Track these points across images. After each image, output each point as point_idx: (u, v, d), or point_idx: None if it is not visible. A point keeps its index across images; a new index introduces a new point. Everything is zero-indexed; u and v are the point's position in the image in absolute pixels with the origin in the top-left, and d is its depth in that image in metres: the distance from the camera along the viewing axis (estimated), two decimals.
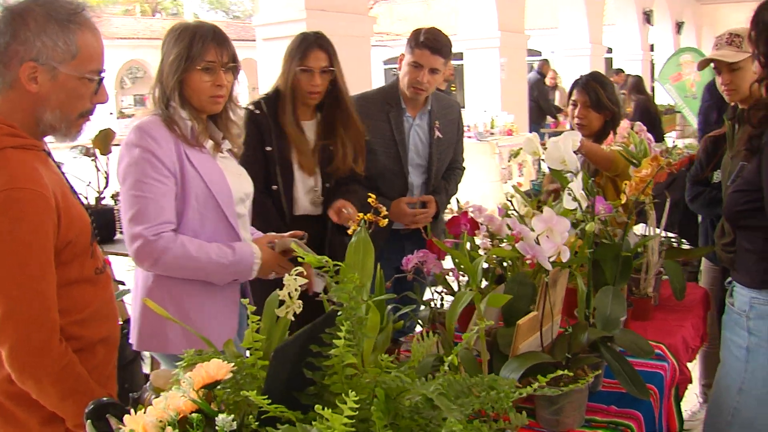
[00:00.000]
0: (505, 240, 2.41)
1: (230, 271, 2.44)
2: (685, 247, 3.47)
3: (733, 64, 3.07)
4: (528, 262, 1.78)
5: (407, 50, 3.41)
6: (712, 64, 3.21)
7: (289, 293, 1.73)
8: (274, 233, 2.71)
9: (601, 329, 2.17)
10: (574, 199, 2.04)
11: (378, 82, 8.63)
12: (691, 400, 4.04)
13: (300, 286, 2.85)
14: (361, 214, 2.12)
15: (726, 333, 2.42)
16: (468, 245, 2.02)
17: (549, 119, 12.75)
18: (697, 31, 21.33)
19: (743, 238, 2.30)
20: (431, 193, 3.60)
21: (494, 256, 2.22)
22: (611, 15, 17.42)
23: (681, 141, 11.78)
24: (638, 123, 2.84)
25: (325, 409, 0.94)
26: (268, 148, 3.06)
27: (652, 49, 18.15)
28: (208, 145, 2.49)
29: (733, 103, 3.21)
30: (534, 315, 1.98)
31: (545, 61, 13.22)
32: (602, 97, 3.49)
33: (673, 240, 3.20)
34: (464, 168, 3.90)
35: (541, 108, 12.44)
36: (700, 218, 3.85)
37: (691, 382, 2.65)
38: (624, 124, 2.81)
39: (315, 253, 2.61)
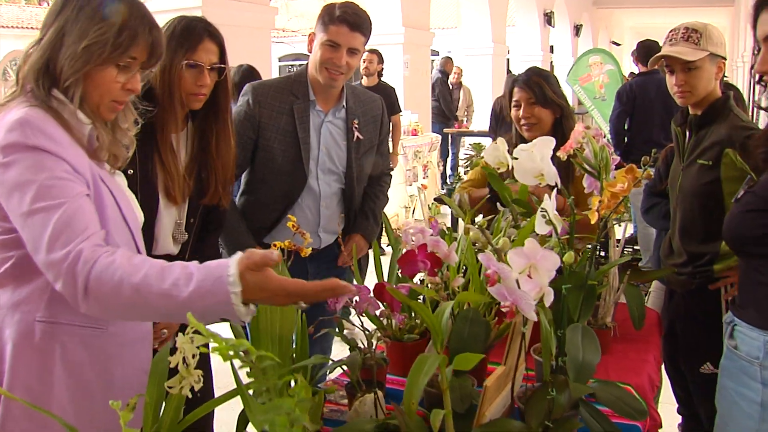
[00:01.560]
0: (450, 272, 1.99)
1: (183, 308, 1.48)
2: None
3: (690, 63, 2.72)
4: (505, 310, 1.35)
5: (319, 28, 2.89)
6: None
7: (184, 359, 1.25)
8: None
9: (574, 378, 1.76)
10: (548, 222, 1.62)
11: None
12: None
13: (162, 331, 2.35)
14: (279, 243, 1.65)
15: (728, 382, 2.03)
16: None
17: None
18: (593, 34, 21.60)
19: (755, 269, 1.91)
20: (358, 212, 3.15)
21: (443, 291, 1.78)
22: (512, 16, 17.37)
23: None
24: (594, 127, 2.45)
25: None
26: (130, 171, 2.32)
27: (551, 51, 18.21)
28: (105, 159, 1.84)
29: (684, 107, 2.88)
30: (503, 371, 1.56)
31: (448, 59, 12.88)
32: (547, 91, 3.08)
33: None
34: (391, 174, 3.42)
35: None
36: (641, 234, 3.54)
37: (661, 427, 2.29)
38: (578, 127, 2.42)
39: None
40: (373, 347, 1.95)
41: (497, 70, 13.97)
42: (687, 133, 2.82)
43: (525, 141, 3.21)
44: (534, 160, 1.62)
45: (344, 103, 3.05)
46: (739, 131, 2.61)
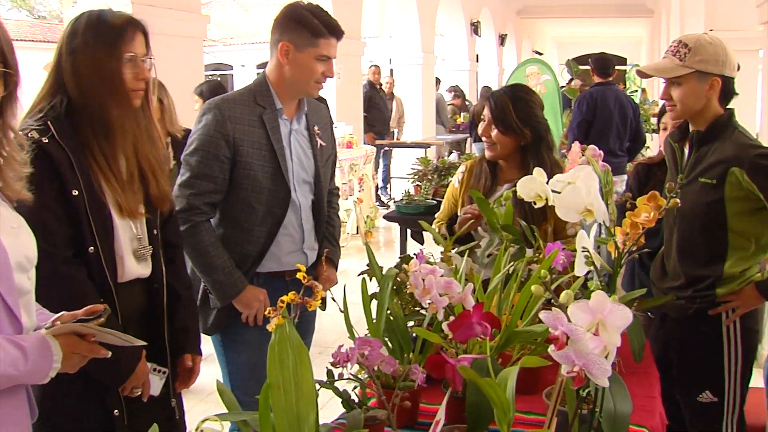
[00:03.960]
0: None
1: (17, 381, 1.64)
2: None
3: (673, 78, 2.60)
4: (571, 376, 1.14)
5: (305, 41, 2.67)
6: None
7: None
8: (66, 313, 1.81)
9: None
10: (589, 261, 1.42)
11: None
12: None
13: (134, 390, 2.08)
14: (286, 297, 1.41)
15: None
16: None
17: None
18: (517, 44, 21.76)
19: None
20: (323, 238, 2.94)
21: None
22: (440, 26, 17.32)
23: None
24: (592, 146, 2.28)
25: None
26: (75, 192, 2.07)
27: (477, 60, 18.24)
28: None
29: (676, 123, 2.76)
30: None
31: (375, 67, 12.58)
32: (510, 115, 2.87)
33: None
34: (338, 194, 3.22)
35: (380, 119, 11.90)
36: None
37: None
38: (575, 147, 2.25)
39: (126, 336, 1.78)
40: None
41: (427, 80, 13.85)
42: (686, 150, 2.69)
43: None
44: (579, 194, 1.42)
45: (304, 109, 2.88)
46: (748, 150, 2.49)
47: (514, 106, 2.90)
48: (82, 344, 1.72)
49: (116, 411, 2.15)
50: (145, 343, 1.86)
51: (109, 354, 1.76)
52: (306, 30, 2.66)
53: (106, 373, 2.05)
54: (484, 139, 2.96)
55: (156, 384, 2.21)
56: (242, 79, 28.55)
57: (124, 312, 2.16)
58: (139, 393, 2.17)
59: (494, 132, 2.91)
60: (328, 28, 2.67)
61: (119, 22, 2.15)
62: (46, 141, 2.04)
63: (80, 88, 2.12)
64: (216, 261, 2.66)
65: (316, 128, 2.89)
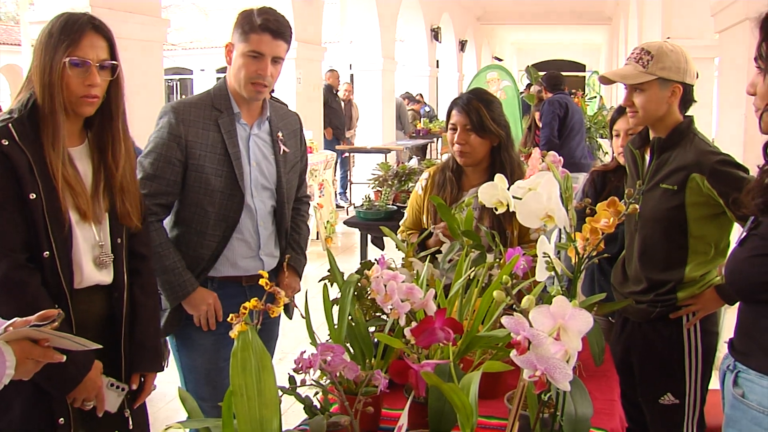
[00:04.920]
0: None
1: None
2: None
3: (636, 85, 2.64)
4: (533, 380, 1.14)
5: (239, 38, 2.67)
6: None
7: None
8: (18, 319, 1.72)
9: None
10: (551, 267, 1.42)
11: None
12: None
13: (85, 403, 2.02)
14: (248, 303, 1.39)
15: None
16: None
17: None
18: (477, 50, 21.90)
19: (764, 315, 1.79)
20: (287, 246, 2.92)
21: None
22: (400, 31, 17.37)
23: None
24: (552, 153, 2.30)
25: None
26: (32, 196, 2.01)
27: (437, 66, 18.33)
28: None
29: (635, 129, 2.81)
30: None
31: (334, 71, 12.55)
32: (486, 118, 2.94)
33: None
34: (309, 202, 3.19)
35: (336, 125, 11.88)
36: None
37: None
38: (535, 153, 2.26)
39: (82, 339, 1.71)
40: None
41: (387, 85, 13.87)
42: (647, 156, 2.72)
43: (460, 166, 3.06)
44: (540, 200, 1.43)
45: (268, 115, 2.86)
46: (708, 156, 2.53)
47: (487, 109, 2.97)
48: (36, 349, 1.66)
49: (61, 419, 2.08)
50: (100, 346, 1.81)
51: (64, 358, 1.72)
52: (240, 27, 2.66)
53: (51, 381, 1.99)
54: (458, 146, 3.00)
55: (113, 400, 2.16)
56: (202, 83, 28.40)
57: (80, 319, 2.11)
58: (92, 406, 2.12)
59: (472, 137, 2.96)
60: (261, 24, 2.62)
61: (74, 25, 2.11)
62: (6, 143, 2.01)
63: (36, 89, 2.10)
64: (165, 261, 2.64)
65: (279, 134, 2.86)
